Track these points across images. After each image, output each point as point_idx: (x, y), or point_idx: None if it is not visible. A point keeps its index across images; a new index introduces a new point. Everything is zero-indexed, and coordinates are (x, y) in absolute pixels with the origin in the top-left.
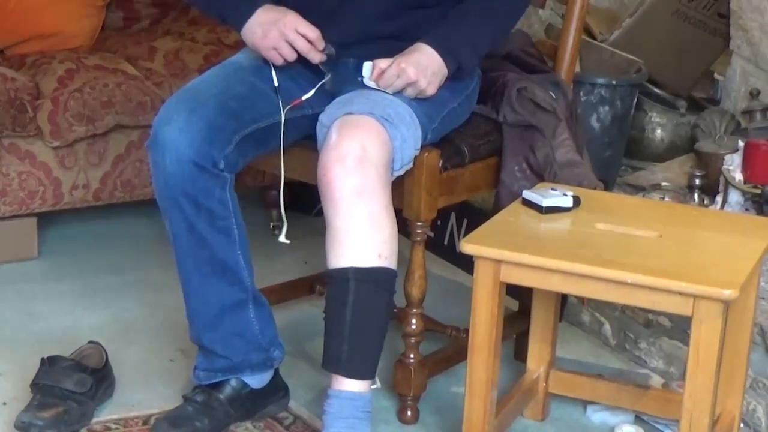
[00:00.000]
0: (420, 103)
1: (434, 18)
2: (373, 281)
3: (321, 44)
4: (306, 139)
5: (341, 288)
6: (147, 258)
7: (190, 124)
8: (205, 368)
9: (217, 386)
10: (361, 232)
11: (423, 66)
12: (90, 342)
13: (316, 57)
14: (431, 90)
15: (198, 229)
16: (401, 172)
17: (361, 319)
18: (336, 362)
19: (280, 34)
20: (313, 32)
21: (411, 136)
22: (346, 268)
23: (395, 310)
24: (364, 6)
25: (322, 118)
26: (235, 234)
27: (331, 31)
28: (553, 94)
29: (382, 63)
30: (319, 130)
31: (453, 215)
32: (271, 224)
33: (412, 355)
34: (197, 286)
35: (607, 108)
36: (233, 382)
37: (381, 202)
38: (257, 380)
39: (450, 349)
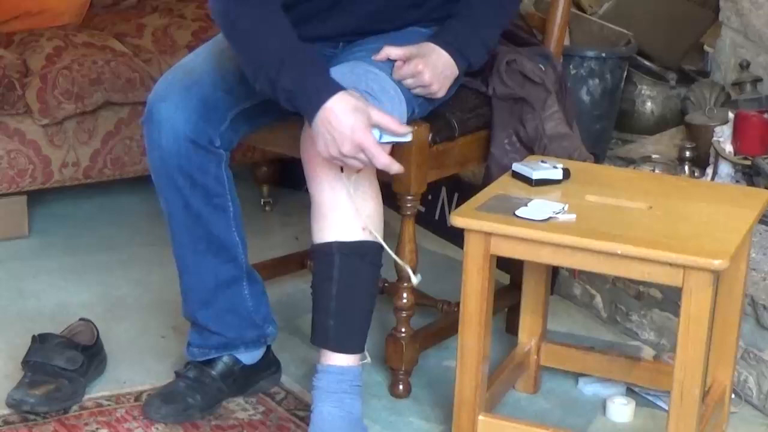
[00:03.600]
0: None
1: (427, 17)
2: (357, 255)
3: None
4: (296, 114)
5: (326, 262)
6: (137, 235)
7: (186, 101)
8: (198, 345)
9: (210, 362)
10: (344, 206)
11: (438, 70)
12: (81, 319)
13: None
14: (442, 94)
15: (193, 206)
16: (387, 148)
17: (347, 293)
18: (323, 337)
19: (355, 149)
20: (380, 162)
21: (395, 110)
22: (329, 242)
23: (386, 284)
24: (358, 5)
25: None
26: (230, 211)
27: (325, 25)
28: (542, 67)
29: (393, 51)
30: None
31: (444, 189)
32: (262, 200)
33: (403, 329)
34: (192, 264)
35: (596, 81)
36: (225, 358)
37: (364, 176)
38: (250, 356)
39: (441, 322)
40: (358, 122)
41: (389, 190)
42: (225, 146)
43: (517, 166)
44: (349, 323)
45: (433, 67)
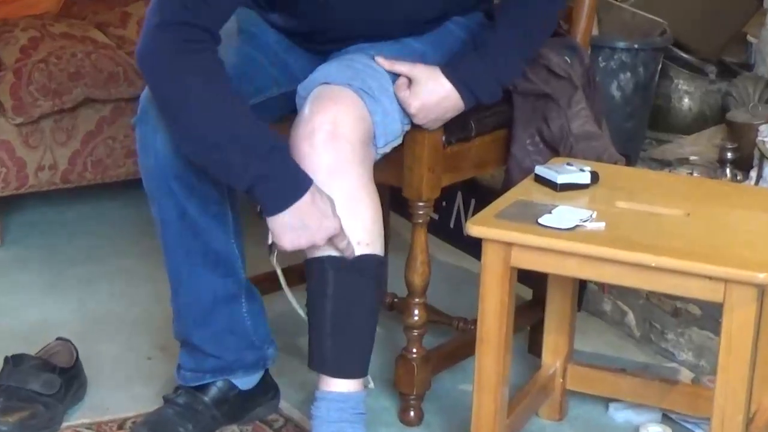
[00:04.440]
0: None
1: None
2: (354, 269)
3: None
4: (294, 112)
5: (320, 279)
6: (122, 246)
7: None
8: (191, 368)
9: (202, 387)
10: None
11: (432, 102)
12: (59, 338)
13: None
14: (431, 126)
15: (190, 214)
16: (386, 150)
17: (344, 312)
18: (320, 360)
19: (313, 242)
20: (346, 249)
21: (396, 109)
22: (321, 257)
23: (395, 300)
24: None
25: (300, 88)
26: (229, 220)
27: (317, 36)
28: (568, 60)
29: (398, 67)
30: (298, 101)
31: (459, 195)
32: (258, 207)
33: (414, 350)
34: (187, 278)
35: (628, 75)
36: (220, 383)
37: (358, 182)
38: (247, 381)
39: (456, 342)
40: (329, 210)
41: (399, 196)
42: None
43: (540, 169)
44: (349, 344)
45: (427, 97)
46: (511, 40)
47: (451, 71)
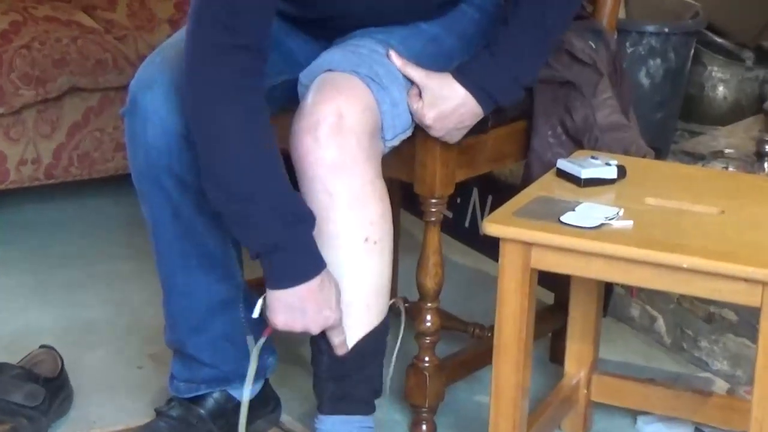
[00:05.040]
0: (419, 58)
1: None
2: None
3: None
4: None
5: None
6: (110, 247)
7: (176, 89)
8: (185, 378)
9: (197, 399)
10: (342, 215)
11: (444, 116)
12: (42, 346)
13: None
14: (450, 139)
15: (184, 214)
16: (395, 142)
17: (342, 362)
18: (320, 399)
19: (308, 330)
20: (340, 343)
21: (403, 99)
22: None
23: (406, 304)
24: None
25: (302, 76)
26: None
27: (323, 23)
28: (593, 45)
29: (410, 71)
30: (300, 90)
31: (475, 191)
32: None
33: (426, 359)
34: (181, 282)
35: (658, 61)
36: (216, 395)
37: (365, 177)
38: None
39: (472, 350)
40: (332, 301)
41: (410, 192)
42: None
43: (562, 163)
44: (351, 390)
45: (442, 105)
46: (526, 33)
47: (463, 75)
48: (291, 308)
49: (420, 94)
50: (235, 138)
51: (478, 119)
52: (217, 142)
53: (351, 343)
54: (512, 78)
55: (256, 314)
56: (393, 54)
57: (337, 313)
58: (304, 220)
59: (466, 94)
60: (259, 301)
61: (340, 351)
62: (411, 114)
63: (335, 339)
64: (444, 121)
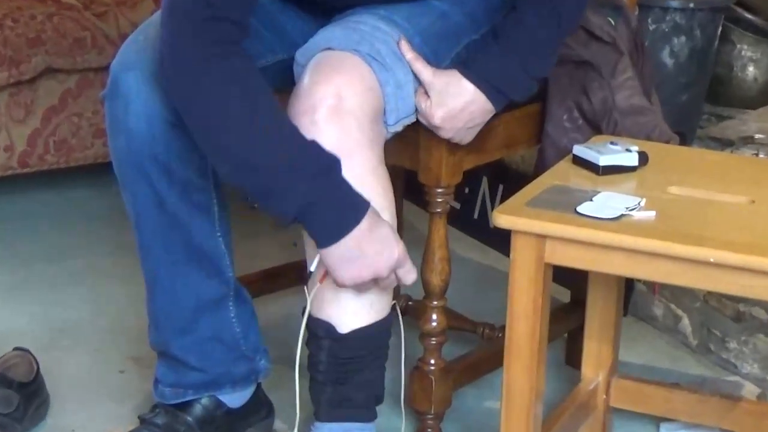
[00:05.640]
0: (425, 36)
1: None
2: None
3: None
4: (292, 84)
5: (314, 344)
6: (90, 242)
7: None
8: (171, 383)
9: (184, 405)
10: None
11: (453, 115)
12: (16, 349)
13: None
14: (458, 140)
15: (170, 205)
16: (399, 128)
17: (342, 378)
18: (317, 404)
19: (375, 275)
20: (413, 279)
21: (410, 80)
22: (320, 320)
23: (410, 303)
24: None
25: (298, 55)
26: (215, 211)
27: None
28: (612, 21)
29: (409, 54)
30: (296, 69)
31: (484, 180)
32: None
33: (432, 361)
34: (166, 279)
35: (683, 39)
36: (205, 401)
37: (366, 165)
38: (236, 397)
39: (481, 352)
40: (391, 236)
41: (414, 181)
42: None
43: (579, 149)
44: (350, 394)
45: (451, 103)
46: (537, 20)
47: (471, 70)
48: (350, 260)
49: (427, 94)
50: (227, 105)
51: (490, 116)
52: (209, 114)
53: (351, 328)
54: (524, 71)
55: (311, 267)
56: (404, 44)
57: (400, 247)
58: (330, 166)
59: (475, 91)
60: (316, 258)
61: (410, 281)
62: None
63: (407, 277)
64: (453, 121)
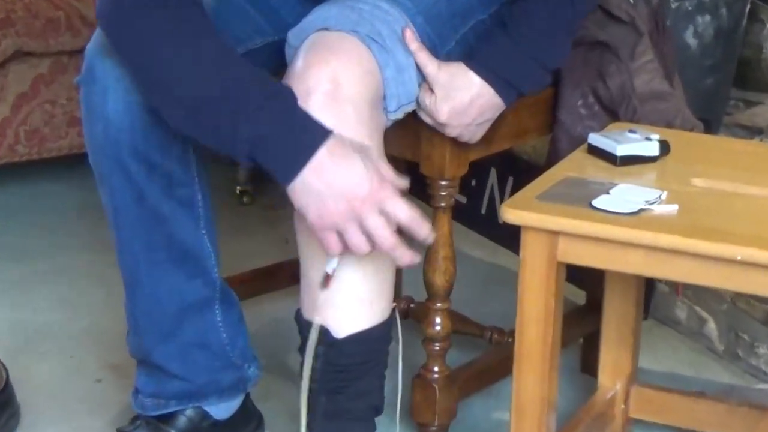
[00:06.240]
0: (429, 15)
1: None
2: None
3: (422, 230)
4: (284, 66)
5: (307, 350)
6: (64, 239)
7: None
8: (152, 393)
9: (166, 417)
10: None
11: (459, 110)
12: None
13: (404, 258)
14: (470, 139)
15: (150, 199)
16: (400, 115)
17: (334, 394)
18: (310, 414)
19: (352, 211)
20: (407, 213)
21: (412, 63)
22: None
23: (411, 305)
24: None
25: (290, 36)
26: (199, 206)
27: None
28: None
29: (414, 44)
30: (288, 52)
31: (493, 172)
32: (238, 188)
33: (435, 369)
34: (146, 280)
35: (707, 18)
36: (189, 412)
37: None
38: (223, 408)
39: (489, 358)
40: (368, 167)
41: (416, 173)
42: None
43: (594, 138)
44: (346, 405)
45: (457, 97)
46: (547, 2)
47: (477, 62)
48: (317, 196)
49: (431, 89)
50: (166, 37)
51: (500, 111)
52: (152, 57)
53: (348, 333)
54: (535, 60)
55: (330, 270)
56: (409, 34)
57: (378, 177)
58: (279, 92)
59: (483, 84)
60: (335, 260)
61: (404, 215)
62: (417, 82)
63: (401, 214)
64: (461, 117)
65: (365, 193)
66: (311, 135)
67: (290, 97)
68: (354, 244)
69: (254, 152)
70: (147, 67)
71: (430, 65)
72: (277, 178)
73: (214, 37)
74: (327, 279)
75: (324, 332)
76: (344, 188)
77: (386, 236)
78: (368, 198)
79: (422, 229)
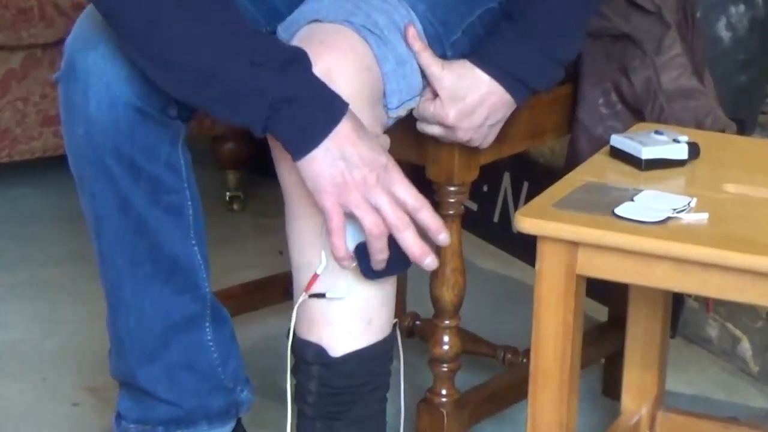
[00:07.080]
0: (432, 3)
1: None
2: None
3: (433, 223)
4: None
5: (303, 371)
6: (38, 249)
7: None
8: (137, 419)
9: None
10: None
11: (467, 112)
12: None
13: (422, 257)
14: (481, 143)
15: (135, 207)
16: (402, 112)
17: (333, 415)
18: None
19: (362, 194)
20: (419, 201)
21: (410, 57)
22: (310, 342)
23: (417, 322)
24: None
25: (281, 29)
26: (188, 214)
27: None
28: None
29: (417, 44)
30: None
31: (506, 176)
32: (228, 194)
33: (443, 392)
34: (131, 295)
35: (741, 8)
36: None
37: None
38: None
39: (502, 381)
40: (378, 143)
41: (422, 178)
42: (184, 115)
43: (617, 140)
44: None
45: (465, 97)
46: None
47: (485, 59)
48: (333, 167)
49: (436, 93)
50: (173, 2)
51: (512, 110)
52: (152, 14)
53: (345, 351)
54: (545, 55)
55: (319, 270)
56: (411, 32)
57: (392, 161)
58: (297, 58)
59: (491, 82)
60: (323, 261)
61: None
62: (421, 75)
63: (409, 199)
64: (470, 119)
65: (385, 163)
66: (333, 104)
67: (307, 62)
68: (368, 225)
69: (275, 120)
70: (152, 34)
71: (435, 66)
72: (296, 150)
73: (222, 1)
74: (312, 279)
75: (319, 351)
76: (368, 157)
77: (399, 216)
78: (390, 168)
79: (433, 221)
